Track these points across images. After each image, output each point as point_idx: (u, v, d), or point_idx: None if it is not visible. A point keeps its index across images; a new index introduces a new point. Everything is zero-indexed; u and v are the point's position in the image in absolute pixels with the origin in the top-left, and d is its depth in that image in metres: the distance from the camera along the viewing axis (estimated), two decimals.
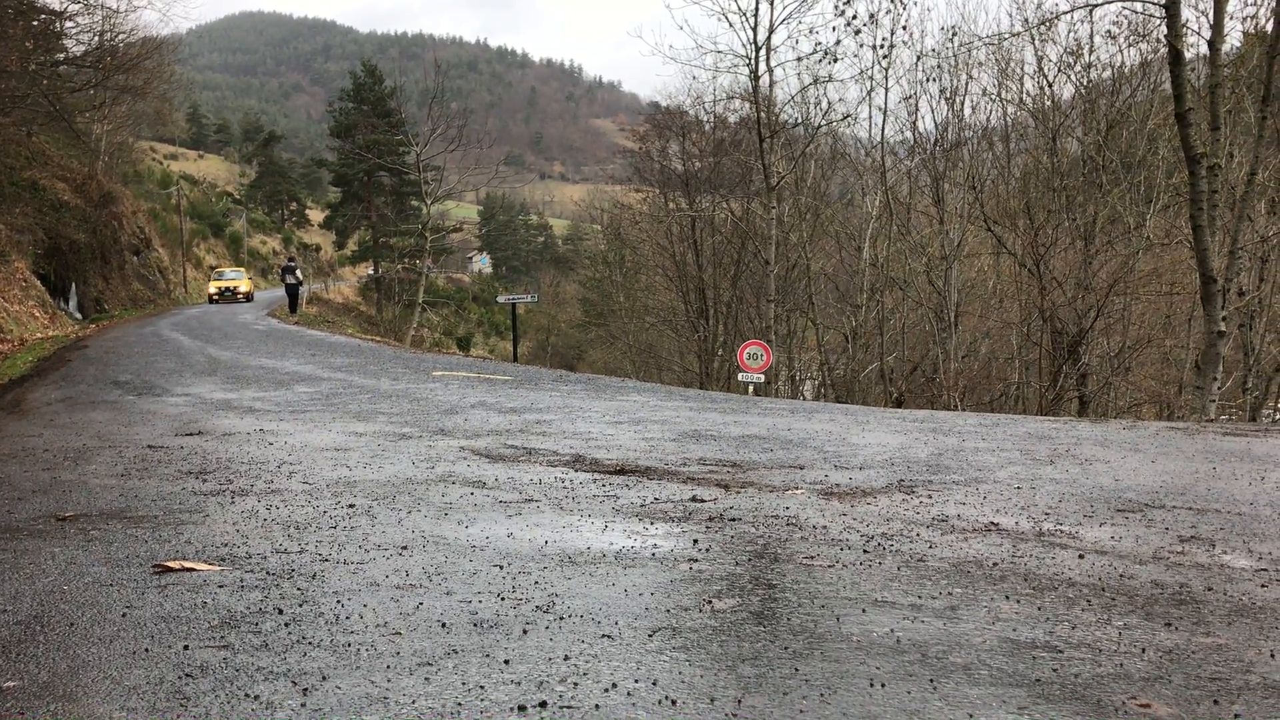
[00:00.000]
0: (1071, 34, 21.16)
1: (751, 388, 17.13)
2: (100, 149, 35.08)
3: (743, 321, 26.71)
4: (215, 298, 35.72)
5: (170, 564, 3.57)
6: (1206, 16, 13.61)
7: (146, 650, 2.66)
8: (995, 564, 3.47)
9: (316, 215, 77.56)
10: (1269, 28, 14.28)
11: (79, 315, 27.07)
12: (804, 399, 23.77)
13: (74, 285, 28.08)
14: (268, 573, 3.44)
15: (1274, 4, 12.74)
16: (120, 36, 26.17)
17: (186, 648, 2.67)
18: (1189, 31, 13.77)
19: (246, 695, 2.33)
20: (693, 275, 27.56)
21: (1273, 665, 2.49)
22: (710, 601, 3.05)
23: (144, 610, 3.03)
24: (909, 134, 23.14)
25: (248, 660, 2.57)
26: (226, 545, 3.85)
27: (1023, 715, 2.19)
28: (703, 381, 25.40)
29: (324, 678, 2.44)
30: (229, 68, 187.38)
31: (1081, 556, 3.56)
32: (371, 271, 60.88)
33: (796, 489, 4.87)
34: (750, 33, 20.20)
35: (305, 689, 2.37)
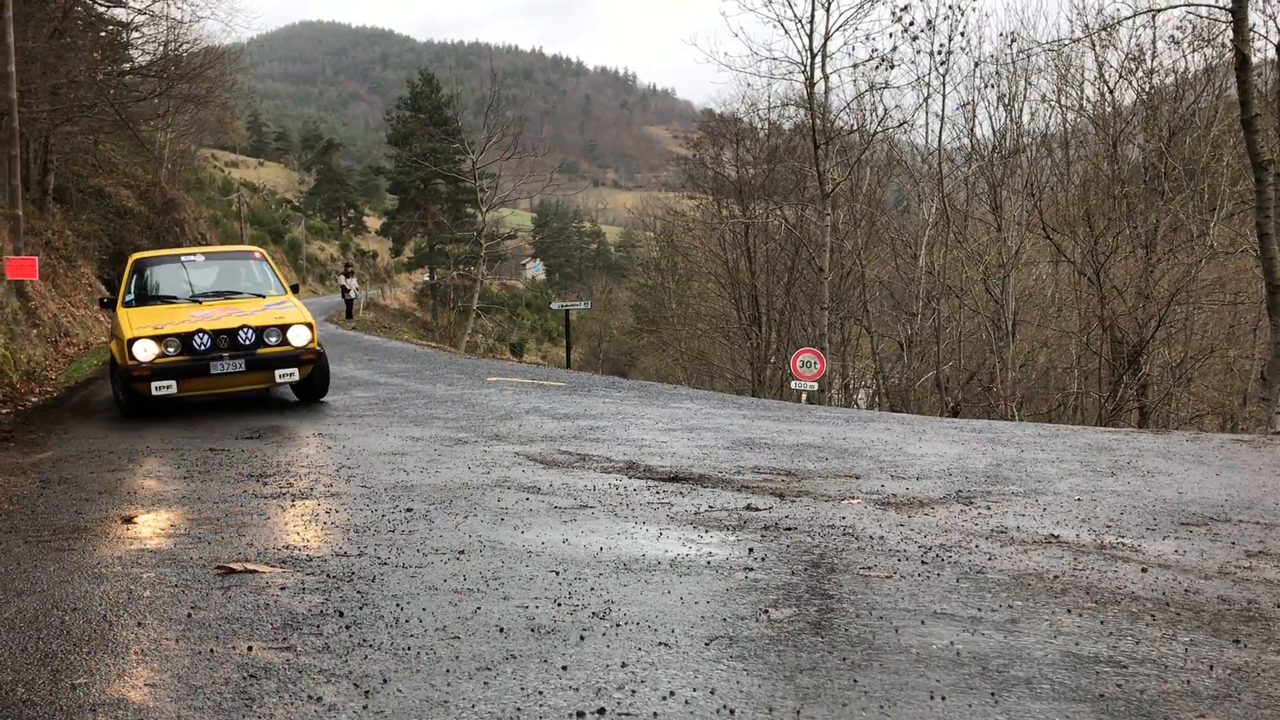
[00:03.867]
0: (1133, 39, 20.81)
1: (805, 396, 17.04)
2: (164, 156, 35.78)
3: (796, 329, 26.59)
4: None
5: (233, 565, 3.63)
6: (1274, 21, 13.38)
7: (212, 651, 2.71)
8: (1056, 577, 3.42)
9: (374, 222, 78.44)
10: None
11: None
12: (858, 408, 23.61)
13: None
14: (328, 575, 3.49)
15: None
16: (184, 46, 26.72)
17: (250, 649, 2.72)
18: (1255, 36, 13.52)
19: (309, 697, 2.37)
20: (745, 282, 27.48)
21: None
22: (767, 611, 3.04)
23: (209, 611, 3.08)
24: (966, 140, 22.88)
25: (310, 662, 2.61)
26: (287, 548, 3.91)
27: None
28: (755, 389, 25.30)
29: (385, 680, 2.47)
30: (289, 76, 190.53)
31: (1144, 570, 3.50)
32: (427, 278, 61.46)
33: (853, 498, 4.84)
34: (806, 39, 20.11)
35: (367, 691, 2.40)
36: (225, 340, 8.46)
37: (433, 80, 58.84)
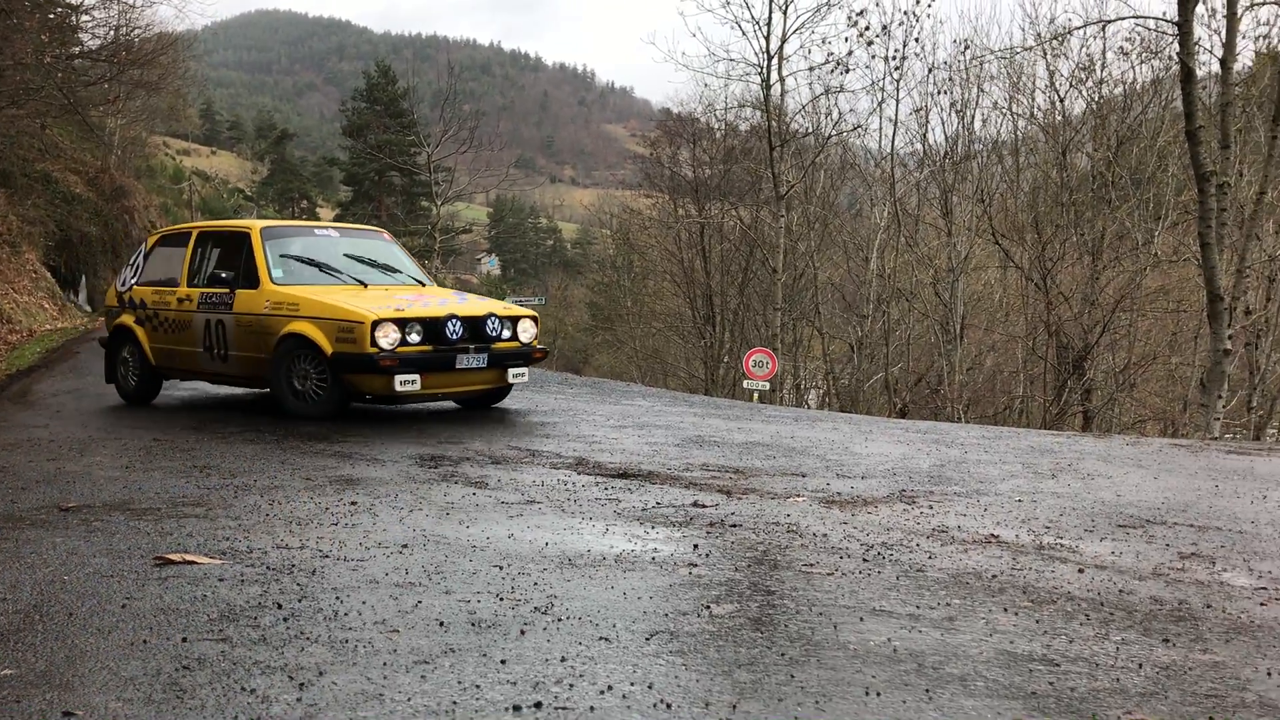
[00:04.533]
0: (1084, 49, 21.08)
1: (756, 395, 17.13)
2: (113, 143, 35.15)
3: (749, 329, 26.71)
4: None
5: (171, 556, 3.58)
6: (1219, 35, 13.59)
7: (145, 642, 2.67)
8: (994, 576, 3.47)
9: (327, 213, 77.68)
10: None
11: (88, 308, 27.12)
12: (808, 407, 23.76)
13: (84, 278, 28.15)
14: (268, 567, 3.45)
15: None
16: (136, 31, 26.23)
17: (185, 640, 2.68)
18: (1201, 49, 13.75)
19: (243, 689, 2.34)
20: (700, 282, 27.55)
21: (1269, 683, 2.49)
22: (709, 607, 3.05)
23: (144, 602, 3.04)
24: (919, 146, 23.11)
25: (245, 654, 2.58)
26: (228, 539, 3.87)
27: None
28: (708, 388, 25.38)
29: (320, 673, 2.45)
30: (244, 65, 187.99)
31: (1081, 571, 3.56)
32: None
33: (798, 496, 4.87)
34: (763, 41, 20.21)
35: (302, 684, 2.38)
36: (469, 330, 7.40)
37: (389, 72, 58.39)
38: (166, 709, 2.23)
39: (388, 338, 6.93)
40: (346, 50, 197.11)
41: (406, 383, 7.00)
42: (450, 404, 8.29)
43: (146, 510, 4.42)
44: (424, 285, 8.35)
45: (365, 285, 7.82)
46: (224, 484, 5.05)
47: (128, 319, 8.60)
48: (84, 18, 24.46)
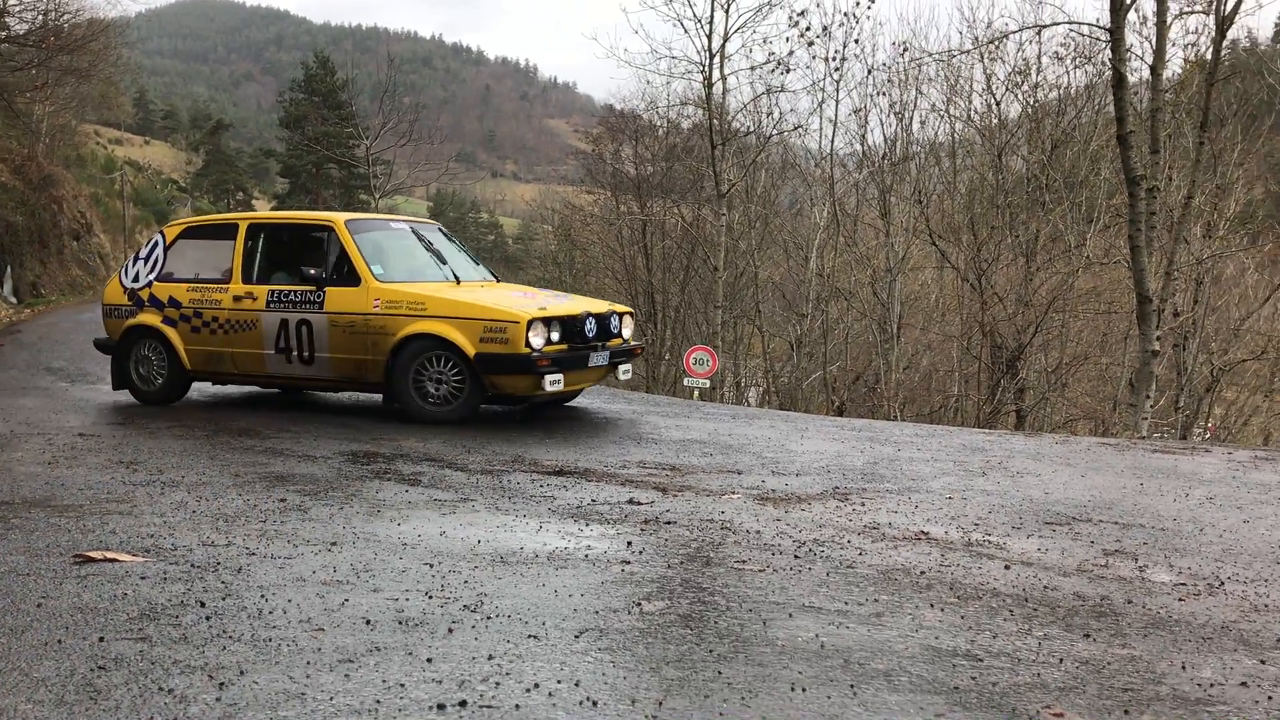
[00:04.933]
0: (1020, 54, 21.37)
1: (697, 392, 17.18)
2: (41, 130, 34.33)
3: (690, 326, 26.77)
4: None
5: (92, 554, 3.50)
6: (1150, 42, 13.90)
7: (60, 642, 2.60)
8: (923, 572, 3.51)
9: (264, 206, 76.61)
10: (1208, 56, 14.64)
11: (14, 300, 26.46)
12: (748, 405, 23.87)
13: (9, 269, 27.44)
14: (192, 565, 3.39)
15: (1213, 33, 13.06)
16: (66, 17, 25.62)
17: (102, 640, 2.62)
18: (1132, 56, 14.05)
19: (160, 689, 2.29)
20: (642, 279, 27.56)
21: (1183, 676, 2.55)
22: (640, 604, 3.05)
23: (61, 601, 2.97)
24: (858, 146, 23.31)
25: (164, 653, 2.53)
26: (152, 536, 3.79)
27: None
28: (648, 385, 25.41)
29: (241, 672, 2.40)
30: (178, 54, 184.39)
31: (1007, 567, 3.62)
32: None
33: (733, 493, 4.89)
34: (705, 40, 20.21)
35: (221, 683, 2.33)
36: (598, 328, 7.41)
37: (328, 63, 57.70)
38: (79, 710, 2.17)
39: (540, 337, 6.84)
40: (285, 40, 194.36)
41: (554, 383, 6.90)
42: (378, 398, 8.14)
43: (68, 507, 4.32)
44: (496, 280, 8.32)
45: (459, 281, 7.63)
46: (150, 480, 4.95)
47: (149, 318, 7.99)
48: (11, 2, 23.84)
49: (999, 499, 4.90)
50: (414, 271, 7.66)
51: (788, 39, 24.24)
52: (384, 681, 2.36)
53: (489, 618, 2.87)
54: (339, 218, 7.71)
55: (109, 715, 2.15)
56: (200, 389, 8.74)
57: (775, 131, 22.55)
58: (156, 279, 8.05)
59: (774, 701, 2.29)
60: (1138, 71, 15.99)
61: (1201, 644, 2.83)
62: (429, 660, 2.50)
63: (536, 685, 2.35)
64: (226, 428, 6.72)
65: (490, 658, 2.53)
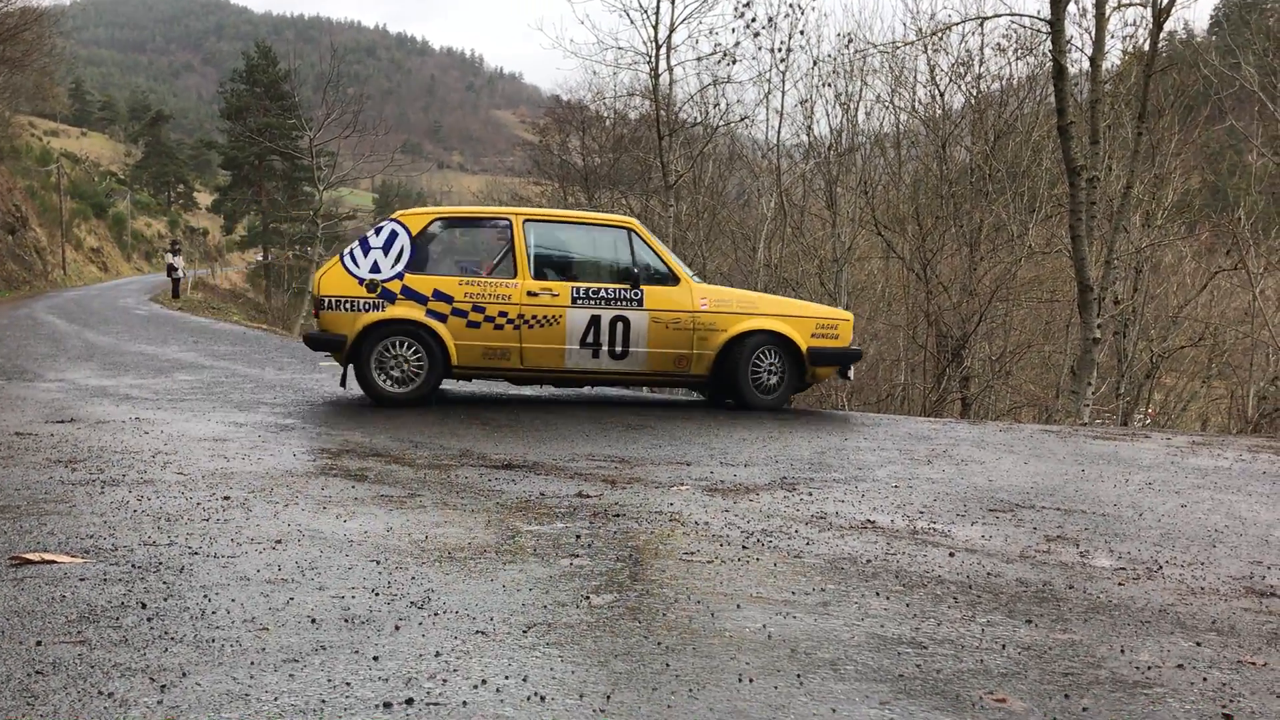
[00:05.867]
0: (963, 45, 21.77)
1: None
2: None
3: None
4: None
5: (29, 556, 3.43)
6: (1089, 34, 14.10)
7: None
8: (869, 561, 3.54)
9: (205, 198, 75.47)
10: (1146, 48, 14.89)
11: None
12: (697, 396, 23.95)
13: None
14: (133, 566, 3.33)
15: (1151, 25, 13.28)
16: None
17: (39, 643, 2.57)
18: (1072, 48, 14.27)
19: (100, 692, 2.25)
20: None
21: (1122, 660, 2.60)
22: (588, 597, 3.05)
23: None
24: (805, 137, 23.46)
25: (104, 656, 2.48)
26: (92, 537, 3.72)
27: (884, 710, 2.24)
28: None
29: (184, 674, 2.37)
30: (116, 43, 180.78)
31: (952, 555, 3.66)
32: (260, 257, 59.46)
33: (682, 485, 4.91)
34: (651, 30, 20.22)
35: (163, 685, 2.30)
36: None
37: (270, 53, 56.93)
38: (16, 716, 2.13)
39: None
40: (225, 30, 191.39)
41: (849, 372, 8.27)
42: (319, 391, 8.10)
43: (4, 508, 4.22)
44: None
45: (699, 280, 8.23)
46: (90, 479, 4.86)
47: (408, 311, 7.69)
48: None
49: (944, 487, 4.96)
50: (685, 271, 8.18)
51: (734, 30, 24.33)
52: (329, 681, 2.33)
53: (436, 614, 2.85)
54: (632, 220, 8.26)
55: None
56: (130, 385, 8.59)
57: (722, 123, 22.62)
58: (409, 272, 7.75)
59: (721, 693, 2.30)
60: (1078, 63, 16.28)
61: (1140, 627, 2.89)
62: (375, 658, 2.48)
63: (484, 681, 2.34)
64: (162, 424, 6.61)
65: (438, 654, 2.52)
